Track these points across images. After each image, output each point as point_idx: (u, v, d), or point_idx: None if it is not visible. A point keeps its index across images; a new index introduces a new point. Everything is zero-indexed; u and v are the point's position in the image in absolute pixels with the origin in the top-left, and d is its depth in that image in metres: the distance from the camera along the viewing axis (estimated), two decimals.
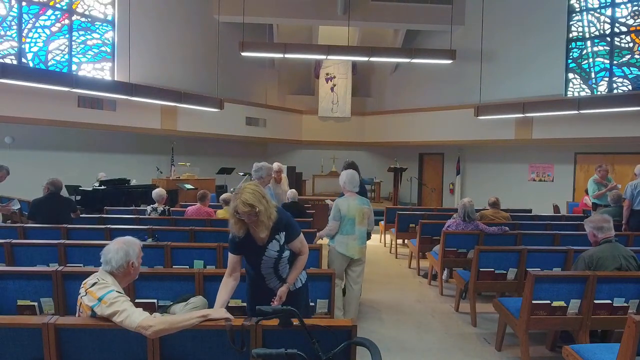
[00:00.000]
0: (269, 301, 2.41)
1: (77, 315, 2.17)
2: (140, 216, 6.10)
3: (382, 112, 14.67)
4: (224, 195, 6.21)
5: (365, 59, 11.14)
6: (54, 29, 10.04)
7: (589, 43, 10.68)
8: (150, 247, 3.94)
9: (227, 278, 2.49)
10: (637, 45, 10.04)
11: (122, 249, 2.18)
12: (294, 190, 6.67)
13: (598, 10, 10.56)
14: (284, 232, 2.47)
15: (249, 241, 2.45)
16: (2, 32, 9.28)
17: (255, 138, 13.49)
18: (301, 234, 2.59)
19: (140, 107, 10.29)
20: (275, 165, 6.99)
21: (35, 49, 9.78)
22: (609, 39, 10.38)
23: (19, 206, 6.23)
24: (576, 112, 9.55)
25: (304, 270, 2.69)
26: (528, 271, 3.32)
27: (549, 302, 3.28)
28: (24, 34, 9.60)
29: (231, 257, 2.53)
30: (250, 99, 13.62)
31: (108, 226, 5.00)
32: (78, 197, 8.57)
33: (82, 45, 10.52)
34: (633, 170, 6.28)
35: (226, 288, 2.45)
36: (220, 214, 5.83)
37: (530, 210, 8.52)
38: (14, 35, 9.44)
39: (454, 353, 3.73)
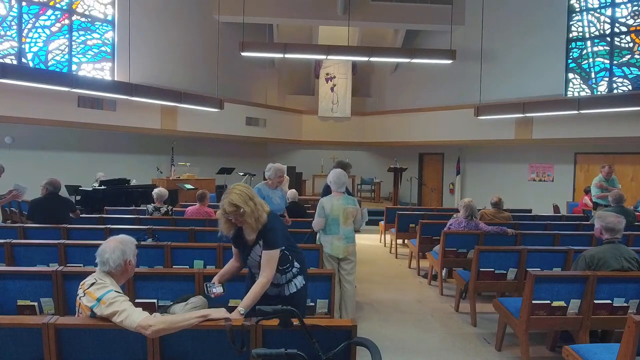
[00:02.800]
0: (263, 301, 2.32)
1: (76, 316, 2.17)
2: (140, 216, 6.10)
3: (382, 112, 14.67)
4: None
5: (365, 59, 11.13)
6: (54, 29, 10.05)
7: (589, 43, 10.68)
8: (150, 247, 3.94)
9: (232, 261, 2.67)
10: (637, 45, 10.04)
11: (118, 248, 2.18)
12: (294, 190, 6.67)
13: (598, 10, 10.56)
14: (262, 239, 2.44)
15: (241, 238, 2.53)
16: (2, 32, 9.28)
17: (255, 138, 13.49)
18: (274, 251, 2.40)
19: (140, 107, 10.29)
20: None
21: (35, 49, 9.78)
22: (609, 39, 10.38)
23: (25, 186, 6.12)
24: (576, 112, 9.55)
25: (300, 276, 2.61)
26: (528, 271, 3.32)
27: (549, 302, 3.28)
28: (24, 34, 9.60)
29: (233, 249, 2.65)
30: (250, 99, 13.62)
31: (108, 226, 4.99)
32: (78, 197, 8.58)
33: (82, 45, 10.52)
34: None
35: (229, 265, 2.64)
36: None
37: (530, 210, 8.52)
38: (14, 35, 9.45)
39: (454, 353, 3.73)
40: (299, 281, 2.61)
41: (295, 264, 2.59)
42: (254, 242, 2.46)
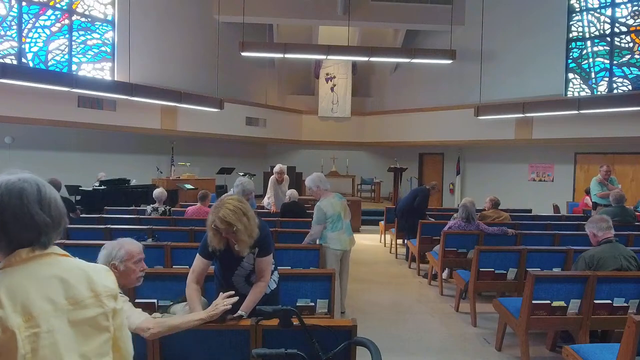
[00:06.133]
0: (239, 304, 2.24)
1: None
2: (140, 216, 6.10)
3: (382, 112, 14.67)
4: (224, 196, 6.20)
5: (365, 59, 11.14)
6: (54, 29, 10.05)
7: (589, 43, 10.68)
8: (150, 247, 3.94)
9: (195, 285, 2.37)
10: (637, 45, 10.04)
11: (108, 248, 2.18)
12: (294, 190, 6.68)
13: (598, 10, 10.56)
14: (257, 248, 2.38)
15: (226, 251, 2.35)
16: (2, 32, 9.28)
17: (255, 138, 13.49)
18: (270, 256, 2.43)
19: (140, 107, 10.29)
20: (277, 166, 7.08)
21: (35, 49, 9.78)
22: (609, 39, 10.38)
23: None
24: (576, 112, 9.55)
25: (276, 271, 2.63)
26: (528, 271, 3.32)
27: (549, 302, 3.28)
28: (24, 34, 9.60)
29: (200, 262, 2.40)
30: (250, 99, 13.62)
31: (108, 226, 4.99)
32: (78, 197, 8.58)
33: (82, 45, 10.52)
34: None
35: (198, 295, 2.34)
36: None
37: (530, 210, 8.52)
38: (14, 35, 9.44)
39: (454, 353, 3.73)
40: (276, 277, 2.63)
41: (273, 260, 2.59)
42: (247, 252, 2.37)
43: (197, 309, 2.24)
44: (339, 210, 4.21)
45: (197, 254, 2.44)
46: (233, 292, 2.14)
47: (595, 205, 6.97)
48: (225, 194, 2.46)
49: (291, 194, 6.48)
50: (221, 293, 2.17)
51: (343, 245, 4.20)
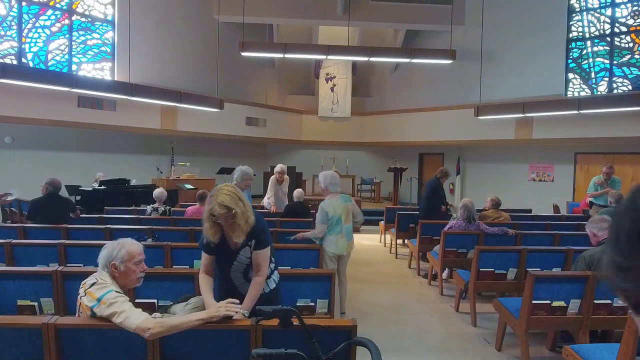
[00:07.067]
0: (241, 301, 2.29)
1: (77, 315, 2.17)
2: (140, 216, 6.10)
3: (382, 112, 14.67)
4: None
5: (365, 59, 11.14)
6: (54, 29, 10.04)
7: (589, 43, 10.68)
8: (150, 247, 3.94)
9: (205, 275, 2.44)
10: (637, 45, 10.04)
11: (108, 248, 2.18)
12: (300, 189, 6.68)
13: (598, 10, 10.56)
14: (254, 240, 2.39)
15: (222, 244, 2.39)
16: (2, 32, 9.28)
17: (255, 138, 13.49)
18: (267, 249, 2.42)
19: (140, 107, 10.28)
20: (278, 166, 7.09)
21: (35, 49, 9.78)
22: (609, 39, 10.38)
23: (16, 195, 6.29)
24: (576, 112, 9.55)
25: (276, 271, 2.63)
26: (528, 271, 3.32)
27: (549, 302, 3.28)
28: (24, 34, 9.59)
29: (204, 256, 2.47)
30: (250, 99, 13.62)
31: (108, 226, 5.00)
32: (78, 197, 8.57)
33: (82, 45, 10.52)
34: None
35: (208, 285, 2.40)
36: None
37: (530, 210, 8.52)
38: (14, 35, 9.44)
39: (454, 353, 3.73)
40: (276, 276, 2.62)
41: (273, 259, 2.58)
42: (243, 245, 2.38)
43: (207, 295, 2.32)
44: (339, 213, 4.14)
45: (201, 251, 2.49)
46: (238, 301, 2.14)
47: (591, 204, 7.00)
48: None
49: (298, 194, 6.47)
50: (228, 298, 2.16)
51: (339, 249, 4.15)
